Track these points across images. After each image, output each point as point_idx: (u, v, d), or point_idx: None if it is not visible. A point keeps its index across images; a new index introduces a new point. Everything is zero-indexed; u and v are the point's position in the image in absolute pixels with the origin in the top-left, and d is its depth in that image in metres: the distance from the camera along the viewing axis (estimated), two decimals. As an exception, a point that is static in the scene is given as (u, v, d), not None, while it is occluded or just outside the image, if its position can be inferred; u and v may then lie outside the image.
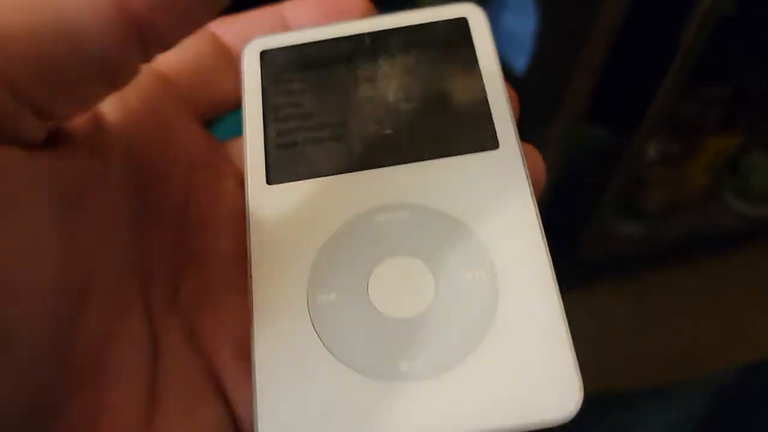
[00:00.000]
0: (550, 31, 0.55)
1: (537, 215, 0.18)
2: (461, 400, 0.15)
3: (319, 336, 0.16)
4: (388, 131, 0.19)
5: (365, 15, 0.21)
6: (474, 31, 0.20)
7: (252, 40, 0.20)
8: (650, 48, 0.50)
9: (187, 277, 0.18)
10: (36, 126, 0.13)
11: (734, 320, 0.83)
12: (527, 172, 0.18)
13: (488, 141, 0.19)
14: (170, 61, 0.19)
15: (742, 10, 0.71)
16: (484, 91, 0.20)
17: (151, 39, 0.14)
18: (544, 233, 0.18)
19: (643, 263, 0.82)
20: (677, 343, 0.80)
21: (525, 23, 0.56)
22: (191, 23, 0.15)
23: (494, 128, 0.19)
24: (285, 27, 0.21)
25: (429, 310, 0.16)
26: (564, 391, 0.15)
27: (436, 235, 0.17)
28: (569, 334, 0.17)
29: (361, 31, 0.20)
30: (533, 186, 0.18)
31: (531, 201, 0.18)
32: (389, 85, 0.20)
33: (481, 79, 0.20)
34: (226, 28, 0.21)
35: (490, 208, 0.17)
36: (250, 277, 0.17)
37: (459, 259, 0.17)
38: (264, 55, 0.20)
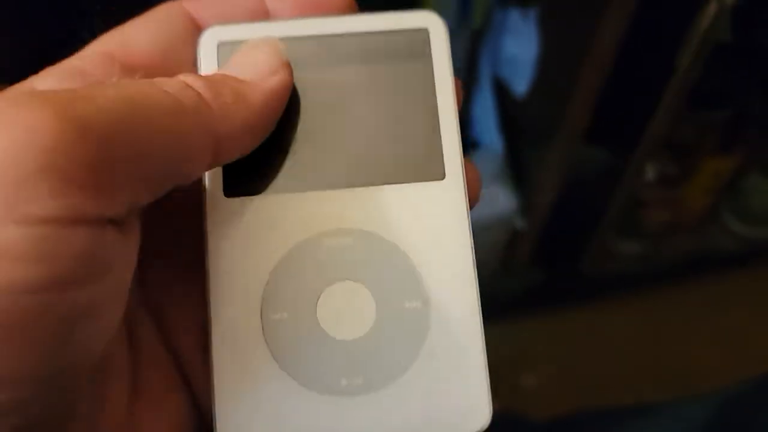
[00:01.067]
0: (551, 55, 0.56)
1: (471, 247, 0.19)
2: (392, 416, 0.17)
3: (270, 351, 0.18)
4: (340, 152, 0.19)
5: (347, 11, 0.20)
6: (434, 46, 0.19)
7: (208, 28, 0.19)
8: (647, 72, 0.50)
9: (152, 266, 0.18)
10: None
11: (733, 338, 0.82)
12: (467, 201, 0.19)
13: (435, 171, 0.19)
14: (142, 49, 0.18)
15: (739, 37, 0.72)
16: (437, 117, 0.19)
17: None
18: (475, 264, 0.19)
19: (643, 281, 0.82)
20: (677, 360, 0.80)
21: (526, 48, 0.57)
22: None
23: (442, 159, 0.19)
24: (265, 14, 0.20)
25: (369, 334, 0.18)
26: (476, 411, 0.18)
27: (379, 262, 0.18)
28: (485, 360, 0.18)
29: (322, 33, 0.19)
30: (469, 199, 0.19)
31: (468, 233, 0.19)
32: (343, 99, 0.19)
33: (436, 103, 0.19)
34: (204, 10, 0.19)
35: (430, 238, 0.19)
36: (208, 289, 0.18)
37: (398, 287, 0.18)
38: (221, 47, 0.19)
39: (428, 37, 0.19)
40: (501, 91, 0.66)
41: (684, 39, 0.49)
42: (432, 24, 0.20)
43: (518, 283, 0.77)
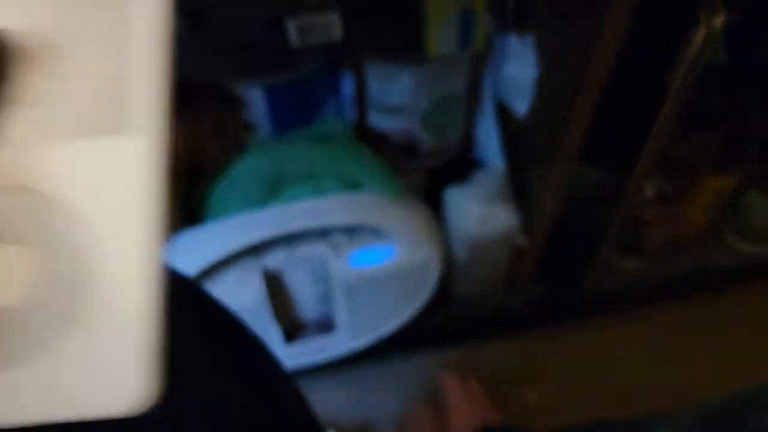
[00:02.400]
0: (548, 77, 0.56)
1: (157, 212, 0.16)
2: (38, 392, 0.16)
3: None
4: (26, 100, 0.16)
5: None
6: None
7: None
8: (641, 94, 0.50)
9: None
10: None
11: (734, 355, 0.81)
12: (162, 159, 0.16)
13: (117, 124, 0.16)
14: None
15: (732, 57, 0.72)
16: (128, 61, 0.16)
17: None
18: (163, 228, 0.16)
19: (643, 298, 0.81)
20: (678, 377, 0.79)
21: (525, 71, 0.58)
22: None
23: (125, 110, 0.16)
24: None
25: (22, 302, 0.16)
26: (135, 390, 0.16)
27: (47, 224, 0.16)
28: (156, 335, 0.16)
29: None
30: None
31: (154, 196, 0.16)
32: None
33: (127, 44, 0.16)
34: None
35: (106, 198, 0.16)
36: None
37: (61, 252, 0.16)
38: None
39: None
40: (502, 112, 0.66)
41: (675, 61, 0.49)
42: None
43: (520, 299, 0.76)
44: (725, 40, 0.68)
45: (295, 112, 0.63)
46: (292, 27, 0.50)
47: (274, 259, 0.61)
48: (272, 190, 0.61)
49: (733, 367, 0.80)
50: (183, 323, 0.21)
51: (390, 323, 0.70)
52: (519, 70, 0.58)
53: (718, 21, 0.47)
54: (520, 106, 0.60)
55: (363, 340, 0.70)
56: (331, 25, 0.50)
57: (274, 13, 0.49)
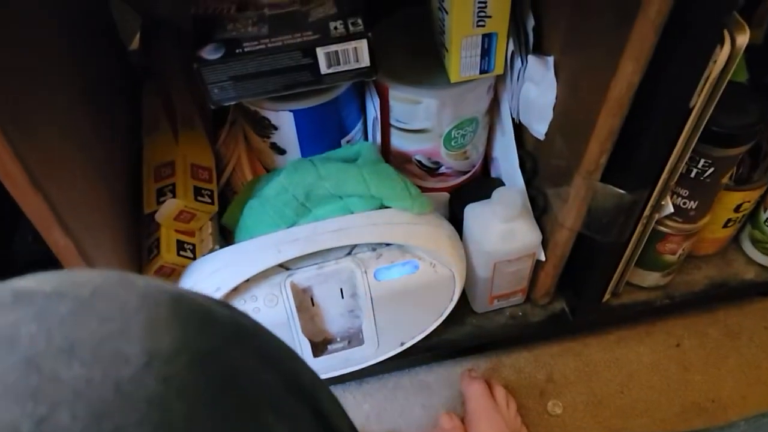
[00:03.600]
0: (569, 99, 0.56)
1: None
2: None
3: None
4: None
5: None
6: None
7: None
8: (663, 113, 0.50)
9: None
10: None
11: (757, 368, 0.80)
12: None
13: None
14: None
15: (754, 75, 0.72)
16: None
17: None
18: None
19: (664, 311, 0.80)
20: (699, 389, 0.78)
21: (546, 94, 0.58)
22: None
23: None
24: None
25: None
26: None
27: None
28: None
29: None
30: None
31: None
32: None
33: None
34: None
35: None
36: None
37: None
38: None
39: None
40: (521, 132, 0.66)
41: (698, 81, 0.49)
42: None
43: (541, 312, 0.76)
44: (748, 58, 0.68)
45: (322, 135, 0.63)
46: (321, 55, 0.51)
47: (303, 276, 0.62)
48: (302, 210, 0.61)
49: (757, 379, 0.79)
50: None
51: (414, 335, 0.70)
52: (539, 92, 0.59)
53: (743, 40, 0.47)
54: (540, 127, 0.60)
55: (389, 352, 0.70)
56: (359, 51, 0.51)
57: (305, 44, 0.50)
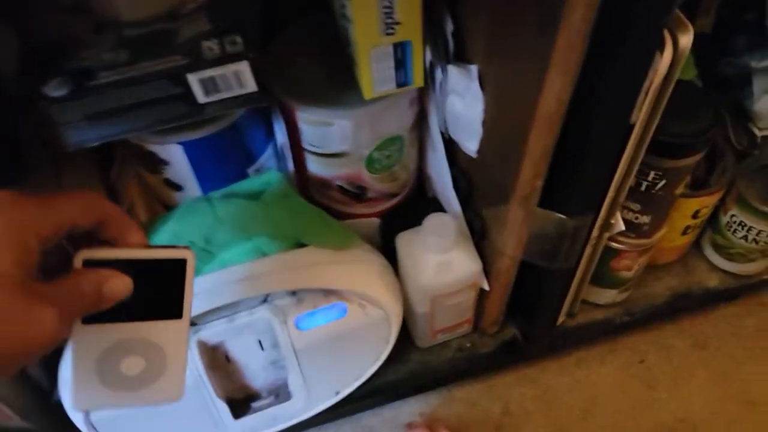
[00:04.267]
0: (497, 113, 0.49)
1: None
2: None
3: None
4: None
5: None
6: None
7: None
8: (602, 127, 0.43)
9: None
10: None
11: (724, 378, 0.74)
12: None
13: None
14: None
15: (704, 71, 0.65)
16: None
17: None
18: None
19: (624, 327, 0.74)
20: (667, 406, 0.72)
21: (472, 106, 0.50)
22: None
23: None
24: None
25: None
26: None
27: None
28: None
29: None
30: None
31: None
32: None
33: None
34: None
35: None
36: None
37: None
38: None
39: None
40: (454, 148, 0.59)
41: (639, 89, 0.41)
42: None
43: (491, 342, 0.69)
44: (695, 49, 0.61)
45: (222, 166, 0.55)
46: (194, 82, 0.42)
47: (211, 331, 0.53)
48: (203, 255, 0.53)
49: (724, 392, 0.73)
50: None
51: (350, 383, 0.63)
52: (464, 105, 0.51)
53: (686, 40, 0.40)
54: (470, 144, 0.53)
55: (322, 403, 0.63)
56: (241, 75, 0.43)
57: (173, 70, 0.41)
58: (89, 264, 0.29)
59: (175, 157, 0.52)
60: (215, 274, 0.52)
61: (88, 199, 0.29)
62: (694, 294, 0.73)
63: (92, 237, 0.30)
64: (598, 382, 0.74)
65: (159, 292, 0.31)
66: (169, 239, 0.51)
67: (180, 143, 0.51)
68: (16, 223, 0.26)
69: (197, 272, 0.52)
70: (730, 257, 0.72)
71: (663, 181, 0.54)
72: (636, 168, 0.48)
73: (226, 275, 0.52)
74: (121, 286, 0.29)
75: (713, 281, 0.74)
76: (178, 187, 0.56)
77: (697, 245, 0.75)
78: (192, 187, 0.55)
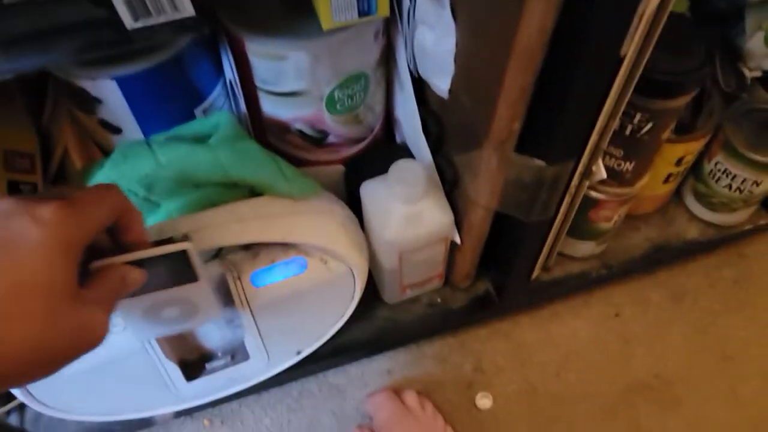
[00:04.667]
0: (471, 48, 0.44)
1: None
2: None
3: None
4: None
5: None
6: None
7: None
8: (588, 63, 0.39)
9: None
10: None
11: (701, 331, 0.73)
12: None
13: None
14: None
15: (697, 3, 0.60)
16: None
17: None
18: None
19: (601, 280, 0.71)
20: (644, 363, 0.70)
21: (443, 40, 0.45)
22: None
23: None
24: None
25: None
26: None
27: None
28: None
29: None
30: None
31: None
32: None
33: None
34: None
35: None
36: None
37: None
38: None
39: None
40: (424, 88, 0.54)
41: (630, 19, 0.37)
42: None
43: (463, 296, 0.66)
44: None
45: (165, 106, 0.49)
46: (119, 3, 0.36)
47: (157, 289, 0.49)
48: (146, 205, 0.48)
49: (701, 345, 0.72)
50: None
51: (312, 342, 0.59)
52: (435, 38, 0.46)
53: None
54: (441, 83, 0.48)
55: (283, 363, 0.59)
56: (175, -3, 0.37)
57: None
58: None
59: (110, 94, 0.46)
60: (155, 226, 0.47)
61: (112, 199, 0.32)
62: (672, 246, 0.71)
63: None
64: (572, 337, 0.72)
65: (170, 272, 0.39)
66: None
67: (113, 78, 0.45)
68: (64, 241, 0.28)
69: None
70: (712, 207, 0.69)
71: (649, 125, 0.50)
72: (622, 109, 0.44)
73: (168, 228, 0.47)
74: (137, 275, 0.35)
75: (693, 232, 0.72)
76: (115, 130, 0.50)
77: (677, 194, 0.72)
78: (132, 129, 0.50)
